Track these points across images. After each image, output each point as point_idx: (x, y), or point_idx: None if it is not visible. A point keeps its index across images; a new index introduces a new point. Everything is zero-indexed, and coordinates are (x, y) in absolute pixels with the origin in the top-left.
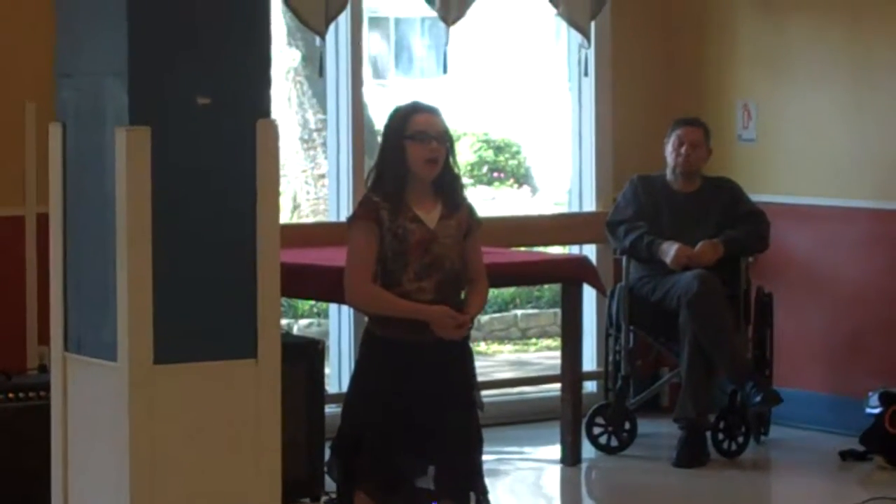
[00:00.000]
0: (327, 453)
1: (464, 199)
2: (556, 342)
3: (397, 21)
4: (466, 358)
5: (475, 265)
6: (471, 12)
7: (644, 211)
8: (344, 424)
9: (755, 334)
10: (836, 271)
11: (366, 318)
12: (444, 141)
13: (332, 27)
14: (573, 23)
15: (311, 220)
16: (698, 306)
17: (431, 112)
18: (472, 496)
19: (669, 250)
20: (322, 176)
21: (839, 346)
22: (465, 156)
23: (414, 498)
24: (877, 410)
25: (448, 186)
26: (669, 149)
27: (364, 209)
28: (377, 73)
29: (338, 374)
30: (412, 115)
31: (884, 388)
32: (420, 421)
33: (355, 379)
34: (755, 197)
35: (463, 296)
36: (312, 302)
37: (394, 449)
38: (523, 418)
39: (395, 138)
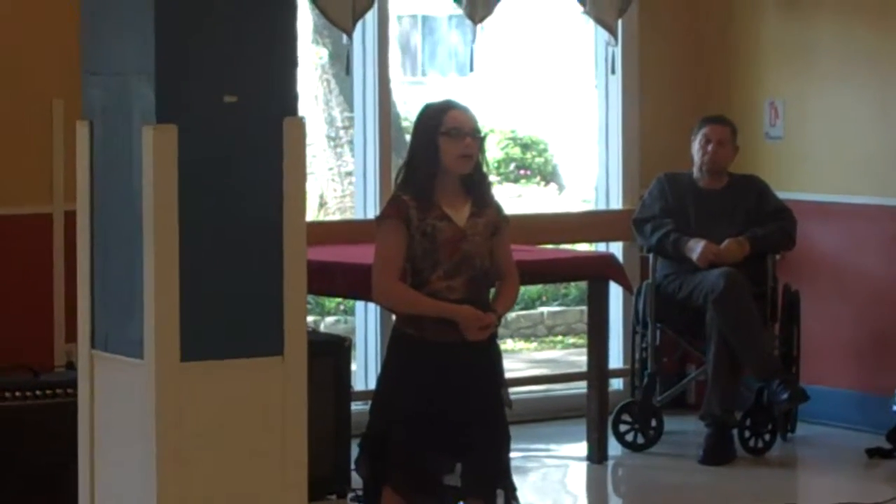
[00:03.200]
0: (354, 450)
1: (492, 200)
2: (583, 339)
3: (424, 19)
4: (494, 356)
5: (505, 262)
6: (498, 10)
7: (670, 208)
8: (372, 422)
9: (782, 332)
10: (863, 269)
11: (393, 317)
12: (478, 137)
13: (359, 25)
14: (600, 20)
15: (337, 217)
16: (725, 304)
17: (464, 109)
18: (501, 494)
19: (696, 247)
20: (349, 174)
21: (866, 343)
22: (491, 153)
23: (442, 495)
24: None
25: (477, 184)
26: (696, 146)
27: (393, 208)
28: (405, 72)
29: (364, 372)
30: (446, 111)
31: None
32: (448, 419)
33: (384, 377)
34: (782, 194)
35: (492, 294)
36: (339, 299)
37: (422, 446)
38: (550, 416)
39: (428, 135)
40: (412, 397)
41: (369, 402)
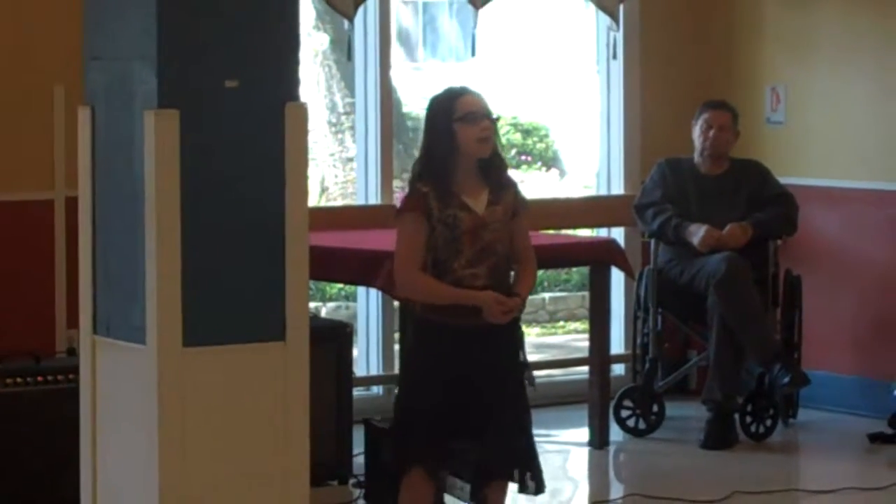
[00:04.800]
0: (356, 436)
1: (510, 181)
2: (585, 325)
3: (426, 4)
4: (517, 339)
5: (523, 246)
6: None
7: (672, 194)
8: (398, 409)
9: (783, 317)
10: (864, 254)
11: (395, 303)
12: (492, 120)
13: (360, 10)
14: (602, 6)
15: (339, 203)
16: (726, 289)
17: (475, 94)
18: (529, 476)
19: (698, 232)
20: (350, 159)
21: (868, 328)
22: None
23: (465, 475)
24: None
25: (495, 170)
26: (697, 132)
27: (412, 201)
28: (406, 57)
29: (366, 358)
30: (457, 98)
31: None
32: (471, 402)
33: (407, 364)
34: (783, 179)
35: (511, 277)
36: (341, 285)
37: (447, 429)
38: (551, 401)
39: (442, 123)
40: (436, 382)
41: (371, 388)
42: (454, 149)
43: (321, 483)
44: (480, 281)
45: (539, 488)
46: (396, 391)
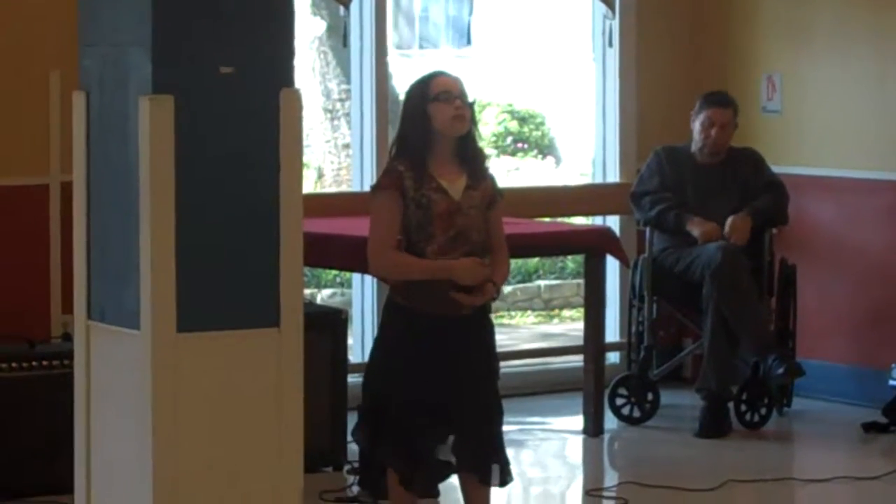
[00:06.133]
0: (350, 423)
1: (487, 171)
2: (580, 313)
3: None
4: (488, 330)
5: (497, 237)
6: None
7: (668, 182)
8: (366, 393)
9: (778, 306)
10: (860, 243)
11: (389, 288)
12: (467, 101)
13: None
14: None
15: (334, 189)
16: (722, 278)
17: (450, 75)
18: (496, 468)
19: (700, 227)
20: (346, 146)
21: (862, 318)
22: (489, 127)
23: (436, 470)
24: None
25: (472, 157)
26: (698, 127)
27: (388, 178)
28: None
29: (361, 344)
30: (432, 79)
31: None
32: (441, 392)
33: (377, 348)
34: (780, 168)
35: None
36: (336, 272)
37: (415, 418)
38: (546, 389)
39: (417, 104)
40: (405, 370)
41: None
42: (429, 128)
43: (315, 469)
44: None
45: (504, 480)
46: (364, 373)
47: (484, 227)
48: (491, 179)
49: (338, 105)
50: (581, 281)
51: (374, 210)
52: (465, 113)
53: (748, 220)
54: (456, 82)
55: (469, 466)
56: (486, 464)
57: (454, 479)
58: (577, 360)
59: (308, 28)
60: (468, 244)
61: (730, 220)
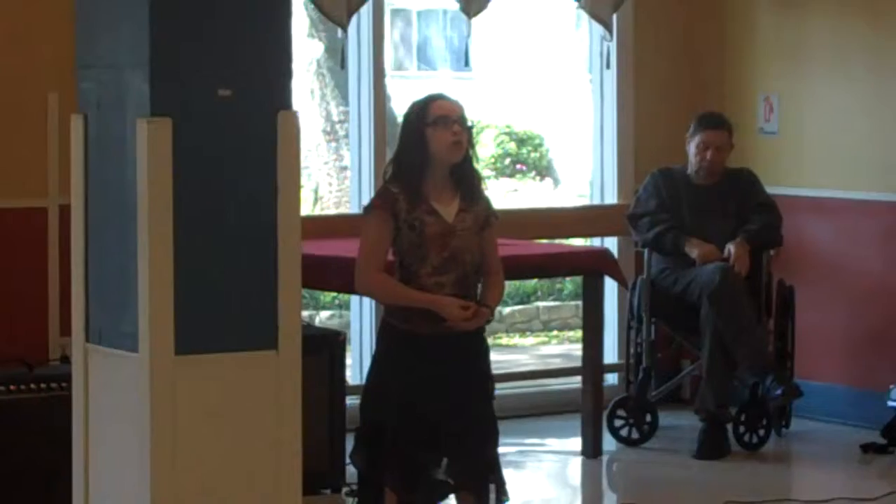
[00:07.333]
0: (348, 445)
1: (482, 192)
2: (578, 334)
3: (419, 13)
4: (483, 351)
5: (491, 259)
6: (492, 5)
7: (665, 204)
8: (363, 415)
9: (776, 327)
10: (857, 264)
11: (383, 309)
12: (466, 125)
13: (354, 19)
14: (595, 15)
15: (332, 212)
16: (720, 299)
17: (450, 99)
18: (492, 488)
19: (697, 250)
20: (344, 168)
21: (860, 339)
22: (487, 148)
23: (433, 491)
24: None
25: (467, 179)
26: (693, 150)
27: (381, 199)
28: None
29: (359, 366)
30: (431, 102)
31: None
32: (437, 413)
33: (373, 370)
34: (776, 189)
35: (479, 289)
36: (334, 294)
37: (412, 439)
38: (545, 410)
39: (415, 127)
40: (401, 392)
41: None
42: (426, 153)
43: (314, 492)
44: (446, 290)
45: (500, 500)
46: (361, 395)
47: (478, 249)
48: (486, 201)
49: (337, 127)
50: (579, 302)
51: (364, 229)
52: (462, 139)
53: (746, 246)
54: (455, 106)
55: (466, 486)
56: (483, 484)
57: (452, 500)
58: (575, 382)
59: (306, 50)
60: (462, 266)
61: (730, 249)
